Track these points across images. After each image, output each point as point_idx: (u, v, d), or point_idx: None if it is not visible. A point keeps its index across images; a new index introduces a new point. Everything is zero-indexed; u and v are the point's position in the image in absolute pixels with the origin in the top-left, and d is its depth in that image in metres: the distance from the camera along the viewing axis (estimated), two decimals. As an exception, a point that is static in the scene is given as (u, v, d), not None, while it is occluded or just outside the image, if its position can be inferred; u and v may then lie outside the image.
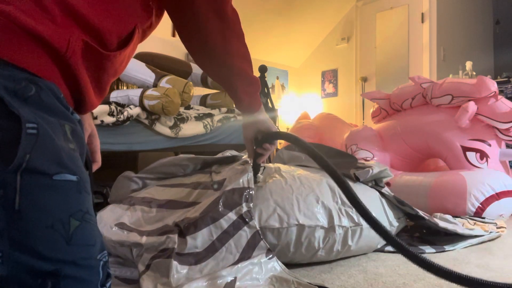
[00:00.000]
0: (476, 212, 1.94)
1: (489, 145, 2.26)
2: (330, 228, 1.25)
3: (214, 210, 1.13)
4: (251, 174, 1.23)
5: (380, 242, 1.43)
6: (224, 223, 1.11)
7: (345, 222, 1.28)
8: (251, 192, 1.19)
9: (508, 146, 2.47)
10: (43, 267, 0.45)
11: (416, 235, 1.64)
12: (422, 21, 4.44)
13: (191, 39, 0.79)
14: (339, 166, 1.93)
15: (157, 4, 0.71)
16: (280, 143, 3.73)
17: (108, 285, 0.53)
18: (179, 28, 0.77)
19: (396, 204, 1.53)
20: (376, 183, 1.56)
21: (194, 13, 0.73)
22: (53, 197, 0.47)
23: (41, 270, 0.45)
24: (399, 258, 1.36)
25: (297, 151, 1.74)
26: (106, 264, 0.52)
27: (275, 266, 1.10)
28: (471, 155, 2.25)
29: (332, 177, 0.84)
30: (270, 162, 2.08)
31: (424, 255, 0.70)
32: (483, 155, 2.24)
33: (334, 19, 5.27)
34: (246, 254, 1.09)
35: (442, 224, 1.56)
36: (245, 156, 1.57)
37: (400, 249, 0.73)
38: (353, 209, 1.29)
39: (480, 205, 1.93)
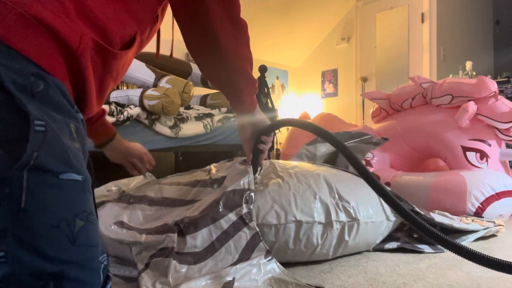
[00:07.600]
0: (476, 212, 1.94)
1: (489, 145, 2.26)
2: (327, 224, 1.25)
3: (215, 210, 1.13)
4: (251, 176, 1.24)
5: (377, 239, 1.43)
6: (224, 223, 1.11)
7: (342, 217, 1.28)
8: (251, 194, 1.20)
9: (508, 146, 2.47)
10: (47, 268, 0.44)
11: (415, 235, 1.65)
12: (422, 21, 4.44)
13: (200, 43, 0.80)
14: (357, 148, 2.03)
15: (161, 15, 0.72)
16: (280, 143, 3.73)
17: (108, 287, 0.52)
18: (188, 32, 0.78)
19: None
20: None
21: (207, 18, 0.75)
22: (59, 196, 0.46)
23: (44, 271, 0.44)
24: (399, 258, 1.36)
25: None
26: (106, 267, 0.52)
27: (274, 267, 1.10)
28: (471, 155, 2.25)
29: (348, 158, 0.89)
30: (269, 158, 2.09)
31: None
32: (483, 155, 2.24)
33: (334, 19, 5.27)
34: (245, 255, 1.09)
35: (438, 219, 1.56)
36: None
37: (438, 239, 0.77)
38: (350, 203, 1.31)
39: (480, 205, 1.93)
